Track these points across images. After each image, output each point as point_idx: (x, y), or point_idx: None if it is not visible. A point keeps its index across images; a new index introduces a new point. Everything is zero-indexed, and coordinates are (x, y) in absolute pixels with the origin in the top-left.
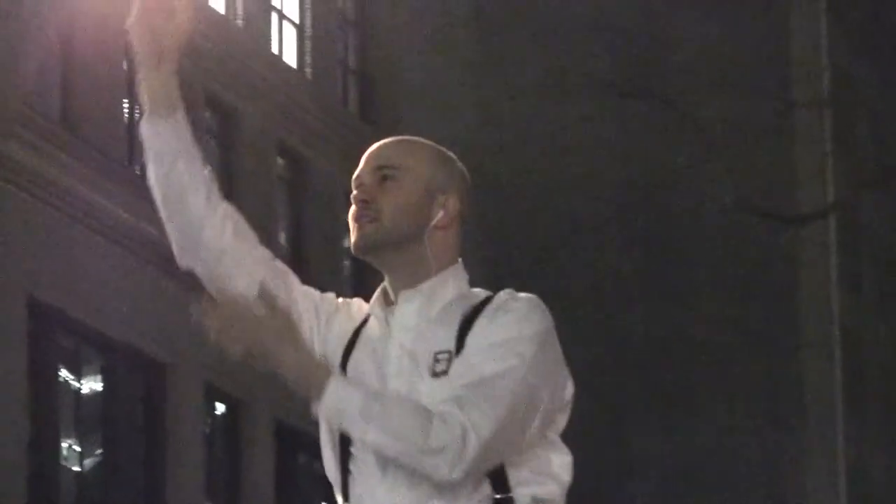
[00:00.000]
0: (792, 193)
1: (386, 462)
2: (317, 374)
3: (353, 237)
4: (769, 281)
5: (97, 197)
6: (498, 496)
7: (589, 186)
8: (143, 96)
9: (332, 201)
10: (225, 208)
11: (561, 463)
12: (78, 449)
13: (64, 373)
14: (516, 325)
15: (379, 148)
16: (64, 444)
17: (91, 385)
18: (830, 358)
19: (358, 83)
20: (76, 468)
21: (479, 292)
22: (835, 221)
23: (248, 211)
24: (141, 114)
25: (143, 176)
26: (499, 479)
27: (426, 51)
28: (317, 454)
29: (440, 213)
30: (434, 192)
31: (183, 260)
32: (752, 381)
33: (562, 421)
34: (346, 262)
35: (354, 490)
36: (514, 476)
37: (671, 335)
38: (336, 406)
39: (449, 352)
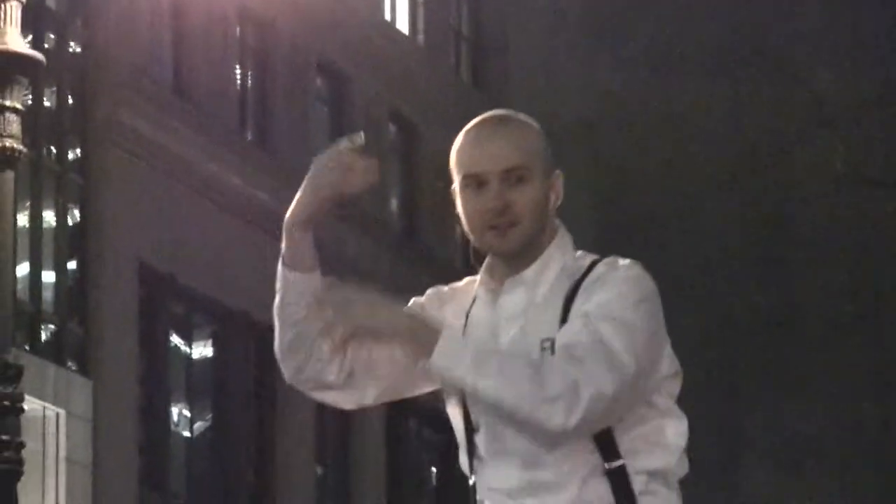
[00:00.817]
0: None
1: (504, 436)
2: (428, 330)
3: (490, 241)
4: (881, 251)
5: (208, 164)
6: (608, 465)
7: (700, 156)
8: (290, 247)
9: (444, 169)
10: (340, 357)
11: (676, 431)
12: (188, 414)
13: (175, 339)
14: (619, 287)
15: (496, 145)
16: (174, 410)
17: (202, 351)
18: None
19: (470, 51)
20: (186, 433)
21: (583, 259)
22: None
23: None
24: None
25: (255, 143)
26: (608, 448)
27: (537, 20)
28: (426, 420)
29: (553, 197)
30: (549, 174)
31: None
32: (864, 354)
33: (673, 387)
34: (458, 229)
35: (479, 467)
36: (623, 443)
37: (783, 307)
38: (448, 358)
39: (552, 339)
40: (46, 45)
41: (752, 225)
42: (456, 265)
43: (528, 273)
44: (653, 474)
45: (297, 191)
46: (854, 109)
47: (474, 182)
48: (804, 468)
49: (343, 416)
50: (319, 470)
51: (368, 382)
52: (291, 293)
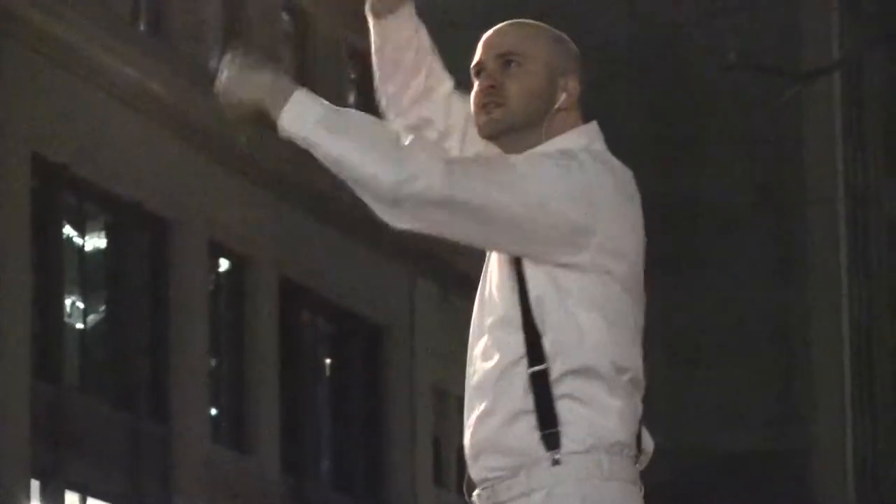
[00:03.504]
0: (798, 50)
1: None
2: (282, 93)
3: (478, 121)
4: (775, 138)
5: (102, 55)
6: (531, 370)
7: (600, 39)
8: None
9: (338, 56)
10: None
11: (592, 325)
12: (82, 306)
13: (68, 229)
14: (563, 151)
15: (497, 34)
16: (67, 301)
17: (95, 242)
18: (835, 213)
19: None
20: (80, 325)
21: None
22: (840, 78)
23: None
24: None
25: (149, 33)
26: (534, 351)
27: None
28: (320, 311)
29: (563, 96)
30: (556, 75)
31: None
32: (759, 238)
33: (603, 263)
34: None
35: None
36: (547, 345)
37: (678, 194)
38: (295, 120)
39: None
40: None
41: (647, 111)
42: None
43: None
44: (575, 373)
45: (190, 81)
46: None
47: (476, 70)
48: (702, 360)
49: (237, 305)
50: (213, 361)
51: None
52: (391, 44)
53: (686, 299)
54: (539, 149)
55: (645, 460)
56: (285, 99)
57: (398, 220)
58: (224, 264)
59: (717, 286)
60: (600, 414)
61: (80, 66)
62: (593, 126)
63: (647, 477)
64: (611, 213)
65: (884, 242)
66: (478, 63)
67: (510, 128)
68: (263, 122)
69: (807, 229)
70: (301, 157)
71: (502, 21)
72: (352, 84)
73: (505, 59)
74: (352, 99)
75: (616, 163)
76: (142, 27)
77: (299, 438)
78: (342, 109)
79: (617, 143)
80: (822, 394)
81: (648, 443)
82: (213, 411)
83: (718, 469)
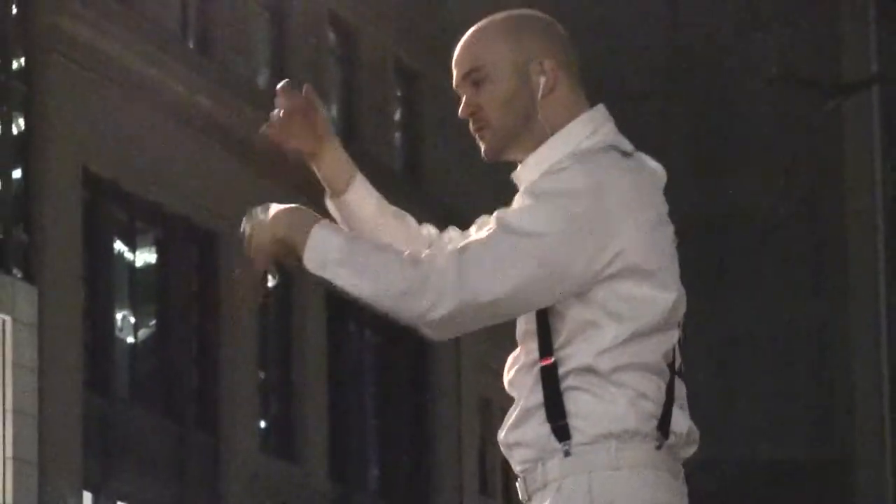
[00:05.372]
0: (837, 64)
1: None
2: (304, 225)
3: (481, 149)
4: (814, 151)
5: (151, 71)
6: (542, 363)
7: (636, 56)
8: (321, 178)
9: (384, 73)
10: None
11: (613, 333)
12: (132, 319)
13: (118, 245)
14: (554, 178)
15: (461, 49)
16: (118, 315)
17: (145, 257)
18: (874, 228)
19: None
20: (130, 339)
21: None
22: (878, 92)
23: (299, 83)
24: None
25: (197, 49)
26: (544, 345)
27: None
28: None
29: (541, 80)
30: (523, 66)
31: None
32: (798, 251)
33: (625, 287)
34: (397, 134)
35: None
36: (558, 341)
37: (717, 207)
38: (316, 256)
39: None
40: None
41: (687, 124)
42: (394, 167)
43: (529, 160)
44: (583, 367)
45: (237, 96)
46: (785, 10)
47: (459, 96)
48: (741, 367)
49: (284, 319)
50: (262, 373)
51: None
52: (354, 220)
53: (725, 311)
54: (547, 166)
55: (680, 442)
56: (306, 234)
57: (440, 338)
58: (271, 279)
59: (756, 298)
60: (608, 403)
61: (129, 81)
62: (599, 112)
63: (692, 487)
64: (628, 217)
65: None
66: (456, 89)
67: (505, 144)
68: (294, 260)
69: (846, 242)
70: None
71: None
72: (398, 101)
73: (472, 79)
74: (398, 115)
75: (628, 149)
76: (190, 44)
77: (346, 448)
78: (358, 241)
79: (656, 157)
80: (862, 405)
81: (681, 424)
82: (262, 422)
83: (761, 480)
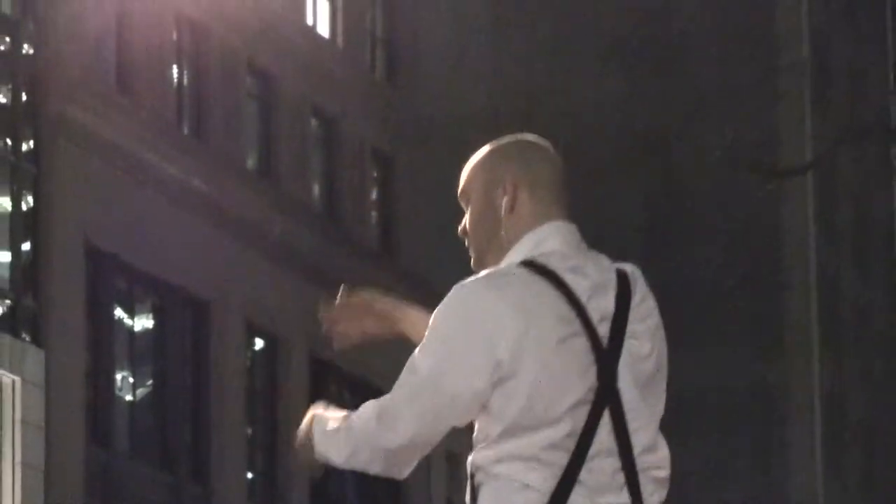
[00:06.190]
0: (776, 150)
1: None
2: (311, 427)
3: None
4: (756, 229)
5: (149, 154)
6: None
7: (597, 139)
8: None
9: (361, 158)
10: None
11: (493, 430)
12: (131, 380)
13: (119, 312)
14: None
15: (462, 176)
16: (118, 376)
17: (143, 322)
18: (809, 299)
19: (384, 51)
20: (129, 397)
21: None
22: (813, 176)
23: (284, 167)
24: None
25: (191, 135)
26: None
27: (446, 20)
28: (345, 384)
29: (504, 200)
30: (491, 192)
31: None
32: (739, 319)
33: (505, 399)
34: (374, 213)
35: None
36: (474, 438)
37: (669, 278)
38: (320, 446)
39: None
40: (1, 47)
41: (643, 201)
42: (371, 245)
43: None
44: (477, 467)
45: (228, 178)
46: (730, 102)
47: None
48: (682, 427)
49: (270, 381)
50: (249, 430)
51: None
52: None
53: (675, 373)
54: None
55: None
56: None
57: (400, 477)
58: (259, 343)
59: (703, 361)
60: (498, 494)
61: (129, 164)
62: (550, 226)
63: None
64: (496, 330)
65: (852, 324)
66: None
67: (480, 258)
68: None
69: (783, 311)
70: (328, 245)
71: None
72: (374, 182)
73: (464, 202)
74: (374, 195)
75: (553, 264)
76: (185, 130)
77: (327, 500)
78: (329, 425)
79: (613, 232)
80: (797, 460)
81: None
82: (249, 474)
83: None
